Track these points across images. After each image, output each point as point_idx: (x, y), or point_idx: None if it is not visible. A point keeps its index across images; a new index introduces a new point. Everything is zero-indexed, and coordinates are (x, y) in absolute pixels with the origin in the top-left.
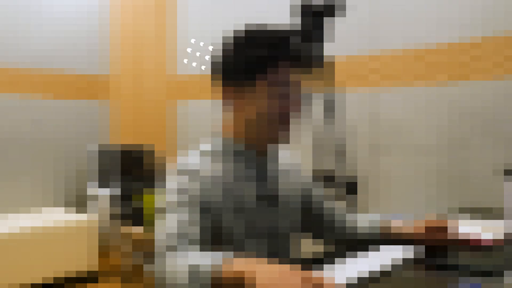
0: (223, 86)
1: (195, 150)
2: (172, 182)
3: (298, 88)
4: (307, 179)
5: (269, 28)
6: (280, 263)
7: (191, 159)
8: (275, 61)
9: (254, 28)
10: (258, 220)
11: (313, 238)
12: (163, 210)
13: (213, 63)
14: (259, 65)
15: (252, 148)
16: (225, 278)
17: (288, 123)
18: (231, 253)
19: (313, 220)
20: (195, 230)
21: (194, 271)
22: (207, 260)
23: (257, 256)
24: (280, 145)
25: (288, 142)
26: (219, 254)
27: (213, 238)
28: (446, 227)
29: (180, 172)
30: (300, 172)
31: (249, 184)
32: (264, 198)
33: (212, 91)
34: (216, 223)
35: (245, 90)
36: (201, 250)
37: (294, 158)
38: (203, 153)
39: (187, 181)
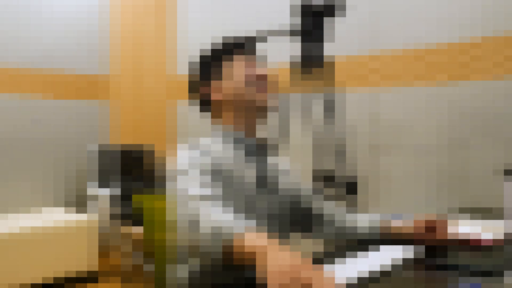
0: (200, 86)
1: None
2: (184, 154)
3: (253, 68)
4: (295, 178)
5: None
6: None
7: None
8: (229, 50)
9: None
10: (256, 203)
11: (313, 237)
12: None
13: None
14: (214, 57)
15: (251, 136)
16: (236, 253)
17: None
18: (253, 221)
19: (312, 219)
20: (217, 187)
21: (216, 227)
22: (229, 221)
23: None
24: (259, 133)
25: (266, 114)
26: (241, 222)
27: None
28: (441, 226)
29: (192, 147)
30: (298, 176)
31: (250, 167)
32: (263, 184)
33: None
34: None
35: (217, 74)
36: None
37: (293, 164)
38: (206, 139)
39: (198, 155)
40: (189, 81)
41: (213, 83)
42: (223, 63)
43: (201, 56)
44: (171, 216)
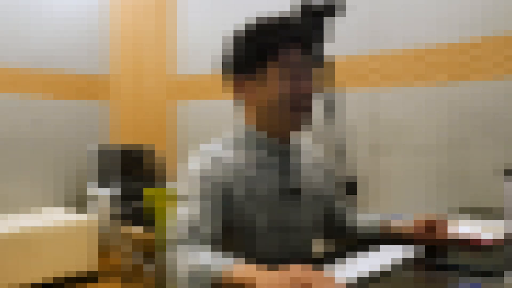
0: (238, 78)
1: (218, 138)
2: (195, 165)
3: (310, 70)
4: (329, 172)
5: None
6: (302, 262)
7: (214, 146)
8: (286, 44)
9: (264, 19)
10: (280, 213)
11: (313, 238)
12: (184, 198)
13: (225, 57)
14: (271, 49)
15: (275, 136)
16: (226, 283)
17: (310, 104)
18: (240, 259)
19: (331, 221)
20: (208, 225)
21: (205, 271)
22: (217, 265)
23: (280, 250)
24: (302, 133)
25: (310, 123)
26: (229, 260)
27: (227, 231)
28: (441, 226)
29: (204, 154)
30: (322, 166)
31: (272, 176)
32: (286, 192)
33: (213, 91)
34: (236, 215)
35: (261, 77)
36: (213, 244)
37: (317, 151)
38: (225, 141)
39: (209, 168)
40: (234, 78)
41: (258, 88)
42: (279, 56)
43: (258, 39)
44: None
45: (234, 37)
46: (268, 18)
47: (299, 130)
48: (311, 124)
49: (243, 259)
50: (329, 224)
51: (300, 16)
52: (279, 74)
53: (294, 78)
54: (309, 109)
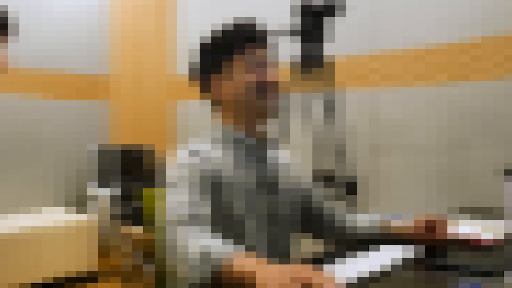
0: (200, 80)
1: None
2: (183, 156)
3: (265, 65)
4: (306, 178)
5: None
6: (280, 255)
7: (201, 145)
8: (240, 43)
9: (219, 31)
10: (258, 205)
11: (313, 238)
12: (173, 185)
13: (190, 64)
14: (224, 51)
15: (251, 135)
16: (226, 277)
17: (265, 98)
18: (241, 246)
19: (313, 219)
20: (206, 206)
21: (205, 252)
22: (218, 246)
23: (257, 243)
24: (280, 146)
25: (265, 123)
26: (230, 247)
27: (221, 218)
28: (441, 226)
29: (192, 154)
30: (299, 171)
31: (238, 168)
32: (263, 185)
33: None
34: (220, 204)
35: (216, 77)
36: (211, 228)
37: (294, 158)
38: (192, 140)
39: (198, 161)
40: (200, 79)
41: (224, 82)
42: (234, 56)
43: (213, 46)
44: (160, 239)
45: (189, 50)
46: (223, 24)
47: (254, 129)
48: (266, 123)
49: (243, 253)
50: (317, 225)
51: (253, 17)
52: (234, 71)
53: (248, 72)
54: (264, 102)
